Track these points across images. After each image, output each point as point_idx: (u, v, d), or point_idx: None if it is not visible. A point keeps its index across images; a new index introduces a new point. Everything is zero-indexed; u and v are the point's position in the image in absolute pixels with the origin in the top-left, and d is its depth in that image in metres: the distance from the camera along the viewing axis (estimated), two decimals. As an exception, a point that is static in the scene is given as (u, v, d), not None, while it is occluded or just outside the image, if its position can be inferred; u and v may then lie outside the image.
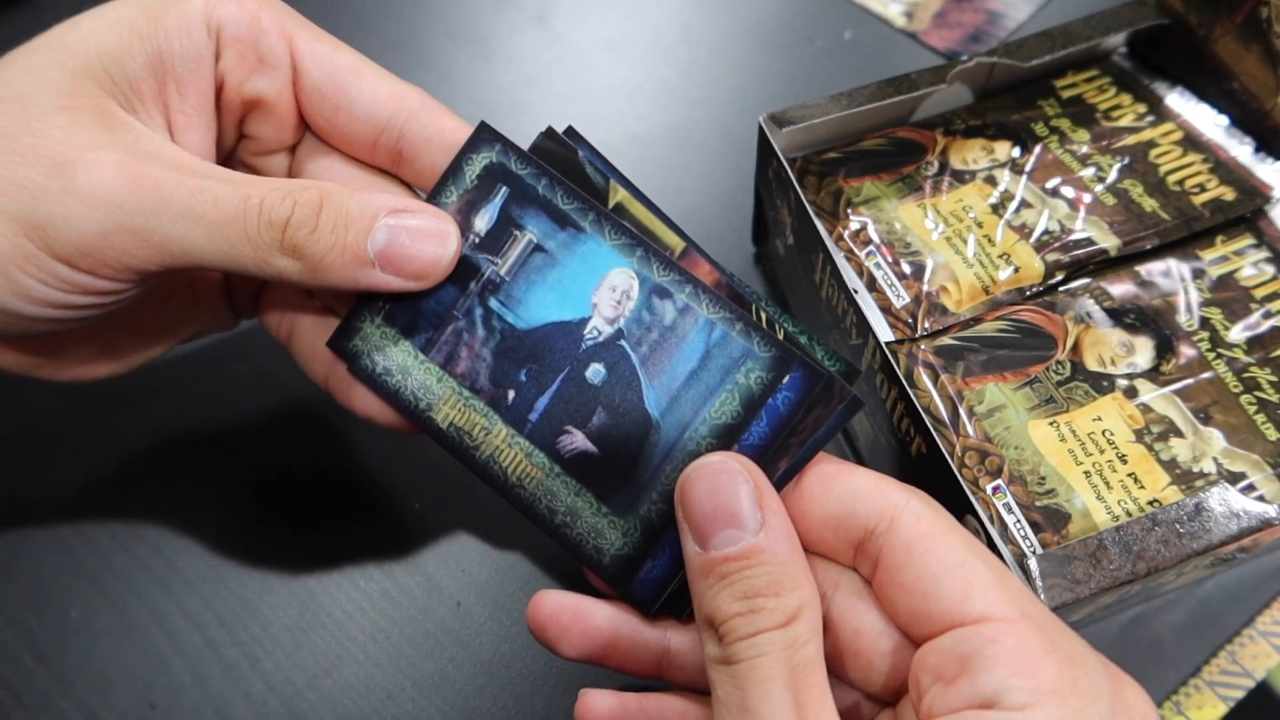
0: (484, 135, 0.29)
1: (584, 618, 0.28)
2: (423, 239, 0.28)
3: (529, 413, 0.28)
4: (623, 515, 0.27)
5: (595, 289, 0.28)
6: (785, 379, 0.26)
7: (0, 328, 0.27)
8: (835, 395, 0.26)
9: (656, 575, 0.27)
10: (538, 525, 0.28)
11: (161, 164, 0.26)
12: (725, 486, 0.25)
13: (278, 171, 0.32)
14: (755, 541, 0.24)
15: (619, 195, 0.29)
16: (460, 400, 0.29)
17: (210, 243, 0.26)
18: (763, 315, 0.27)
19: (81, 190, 0.25)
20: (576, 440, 0.28)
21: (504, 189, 0.29)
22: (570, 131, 0.29)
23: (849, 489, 0.26)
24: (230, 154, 0.32)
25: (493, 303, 0.29)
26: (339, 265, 0.27)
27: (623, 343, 0.27)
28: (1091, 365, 0.33)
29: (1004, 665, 0.22)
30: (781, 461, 0.26)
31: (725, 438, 0.26)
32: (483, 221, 0.29)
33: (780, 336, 0.26)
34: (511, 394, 0.28)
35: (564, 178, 0.28)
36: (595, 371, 0.28)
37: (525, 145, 0.29)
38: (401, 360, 0.29)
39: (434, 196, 0.29)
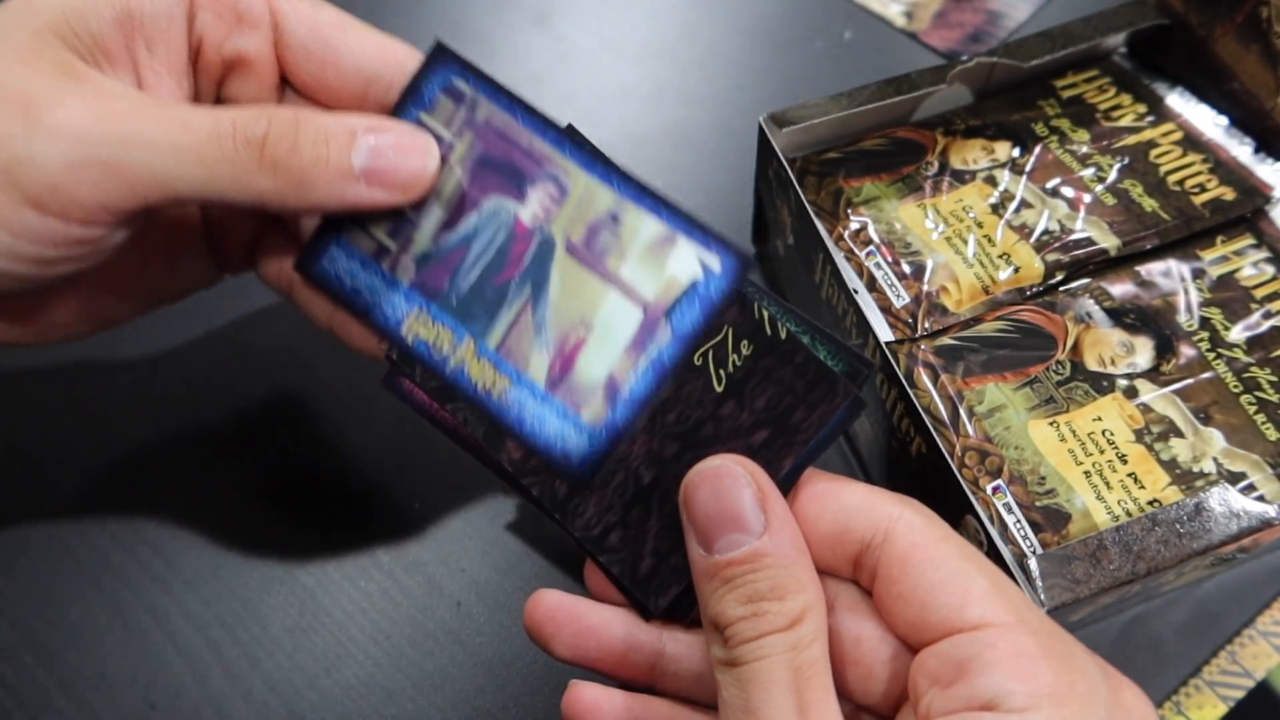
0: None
1: (579, 618, 0.28)
2: (405, 153, 0.28)
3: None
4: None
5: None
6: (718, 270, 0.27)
7: None
8: (839, 394, 0.26)
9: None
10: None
11: (126, 99, 0.26)
12: (728, 490, 0.25)
13: None
14: (758, 545, 0.24)
15: None
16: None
17: (184, 169, 0.25)
18: (764, 314, 0.27)
19: (46, 128, 0.25)
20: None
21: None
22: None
23: (842, 505, 0.25)
24: None
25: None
26: (324, 181, 0.26)
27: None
28: (1091, 365, 0.33)
29: (1002, 669, 0.22)
30: (785, 461, 0.26)
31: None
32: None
33: (783, 337, 0.26)
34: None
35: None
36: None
37: None
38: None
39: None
